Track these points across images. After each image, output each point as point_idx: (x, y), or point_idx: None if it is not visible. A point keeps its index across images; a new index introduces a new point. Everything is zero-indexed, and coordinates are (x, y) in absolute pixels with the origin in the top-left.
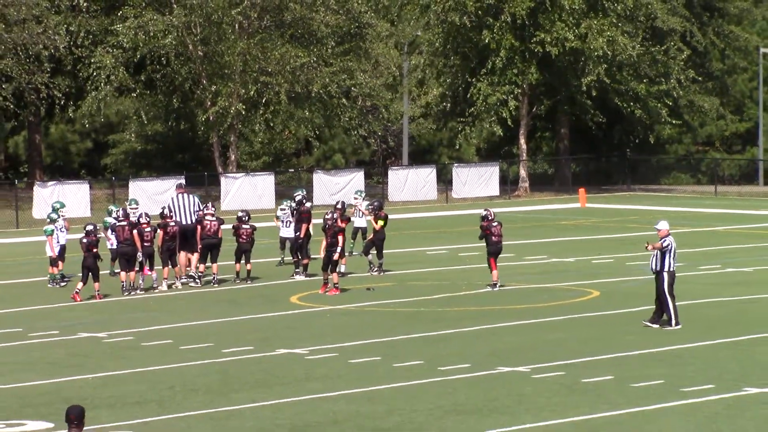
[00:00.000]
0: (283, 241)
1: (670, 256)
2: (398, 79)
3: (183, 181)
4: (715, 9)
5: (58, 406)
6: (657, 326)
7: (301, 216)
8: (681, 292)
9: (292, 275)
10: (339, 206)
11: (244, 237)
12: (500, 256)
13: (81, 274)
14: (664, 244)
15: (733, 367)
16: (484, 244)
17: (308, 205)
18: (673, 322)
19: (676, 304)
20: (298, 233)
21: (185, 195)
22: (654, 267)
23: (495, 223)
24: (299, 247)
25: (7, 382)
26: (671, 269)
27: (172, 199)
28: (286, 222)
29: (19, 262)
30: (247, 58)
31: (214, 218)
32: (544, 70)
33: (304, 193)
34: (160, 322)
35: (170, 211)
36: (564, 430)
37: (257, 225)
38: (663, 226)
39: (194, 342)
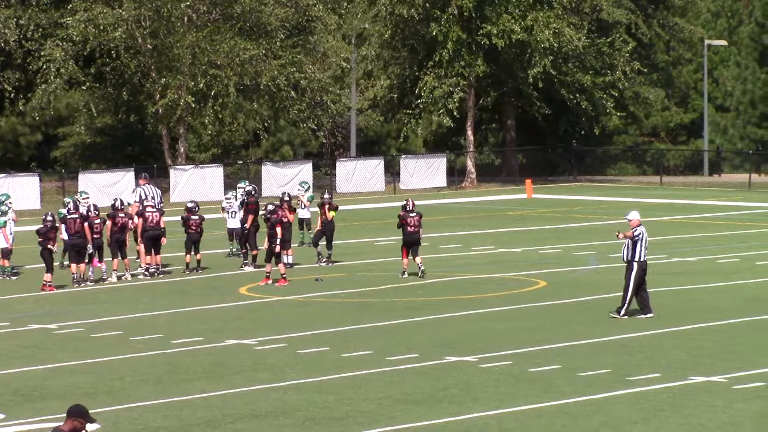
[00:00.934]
0: (230, 232)
1: (641, 246)
2: (346, 71)
3: (145, 173)
4: (660, 1)
5: (8, 398)
6: (650, 315)
7: (248, 207)
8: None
9: (241, 266)
10: (286, 198)
11: (194, 228)
12: (446, 246)
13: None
14: (635, 233)
15: (679, 356)
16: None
17: (256, 196)
18: (623, 312)
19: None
20: (245, 224)
21: (150, 186)
22: (625, 257)
23: (413, 214)
24: (247, 238)
25: None
26: (642, 259)
27: (143, 189)
28: (232, 213)
29: None
30: (196, 51)
31: (155, 209)
32: (491, 62)
33: (246, 183)
34: (110, 313)
35: (141, 201)
36: (512, 419)
37: (206, 217)
38: (634, 216)
39: (144, 333)
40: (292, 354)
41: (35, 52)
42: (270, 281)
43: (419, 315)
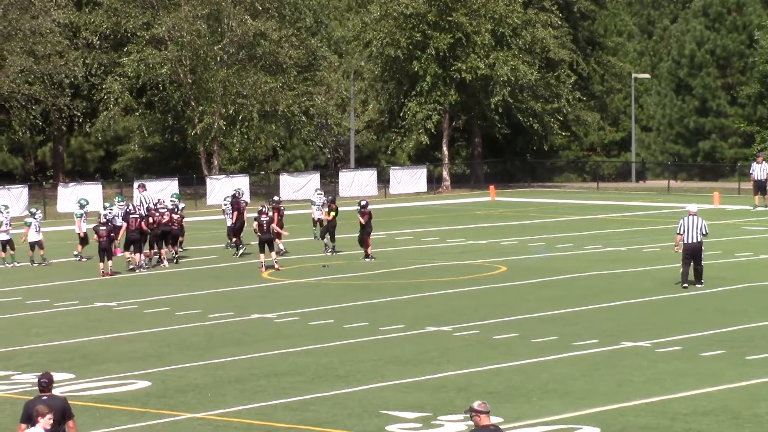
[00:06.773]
0: (229, 229)
1: (690, 232)
2: (346, 100)
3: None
4: (596, 43)
5: (78, 361)
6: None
7: (233, 207)
8: (569, 268)
9: (234, 254)
10: (274, 205)
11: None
12: (427, 239)
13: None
14: (679, 231)
15: (611, 327)
16: (359, 226)
17: (240, 198)
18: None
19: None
20: (233, 220)
21: (147, 193)
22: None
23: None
24: (236, 232)
25: (38, 342)
26: (688, 241)
27: (143, 196)
28: (230, 214)
29: (46, 247)
30: (227, 84)
31: (166, 210)
32: (461, 92)
33: (240, 190)
34: (159, 293)
35: (148, 205)
36: (478, 377)
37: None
38: (691, 207)
39: (186, 309)
40: (304, 325)
41: (98, 85)
42: (264, 269)
43: (405, 294)
